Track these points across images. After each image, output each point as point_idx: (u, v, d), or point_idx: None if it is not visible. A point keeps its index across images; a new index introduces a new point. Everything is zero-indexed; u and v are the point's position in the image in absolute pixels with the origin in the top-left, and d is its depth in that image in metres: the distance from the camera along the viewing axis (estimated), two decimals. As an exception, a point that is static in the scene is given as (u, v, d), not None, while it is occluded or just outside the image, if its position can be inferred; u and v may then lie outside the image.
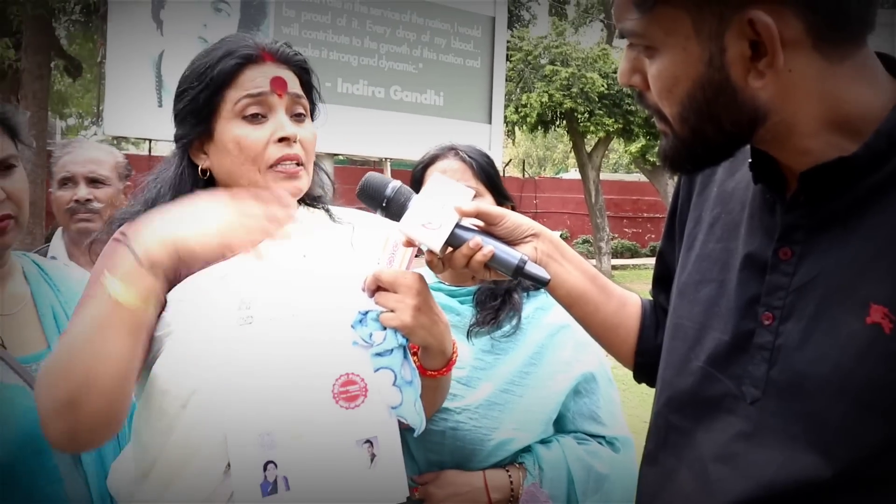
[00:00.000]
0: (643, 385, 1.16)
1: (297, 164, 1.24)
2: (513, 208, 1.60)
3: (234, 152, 1.20)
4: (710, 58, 0.77)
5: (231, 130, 1.21)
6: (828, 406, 0.77)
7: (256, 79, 1.21)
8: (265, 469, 1.09)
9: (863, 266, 0.77)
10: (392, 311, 1.18)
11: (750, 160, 0.89)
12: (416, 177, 1.63)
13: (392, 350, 1.19)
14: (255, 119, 1.21)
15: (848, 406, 0.75)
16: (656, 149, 0.94)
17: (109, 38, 6.67)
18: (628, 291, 1.18)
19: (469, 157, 1.60)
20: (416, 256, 1.23)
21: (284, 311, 1.17)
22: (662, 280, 1.12)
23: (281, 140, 1.21)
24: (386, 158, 7.96)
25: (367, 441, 1.15)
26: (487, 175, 1.60)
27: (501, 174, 1.68)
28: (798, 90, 0.77)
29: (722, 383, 0.88)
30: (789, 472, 0.79)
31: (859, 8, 0.75)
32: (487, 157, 1.64)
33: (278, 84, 1.22)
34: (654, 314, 1.15)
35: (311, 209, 1.38)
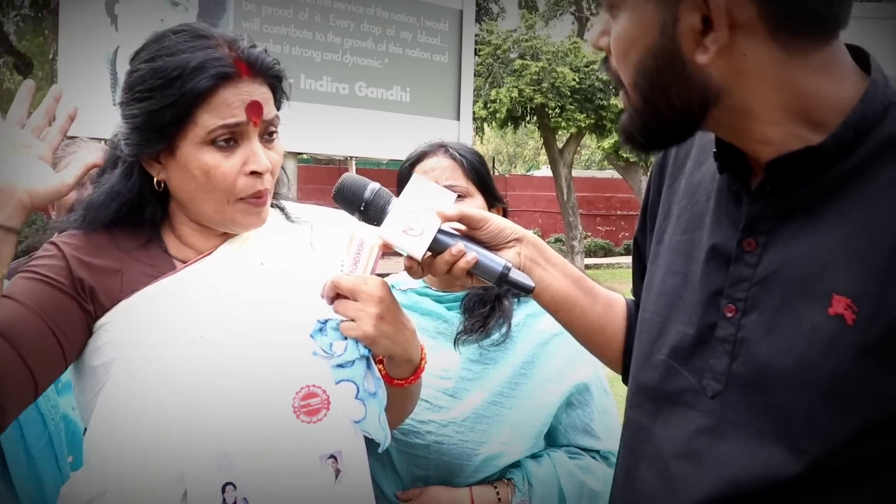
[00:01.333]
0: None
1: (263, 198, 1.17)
2: (504, 210, 1.57)
3: (201, 180, 1.11)
4: (664, 25, 0.78)
5: (199, 157, 1.10)
6: (793, 399, 0.77)
7: (232, 103, 1.09)
8: (223, 491, 1.05)
9: (826, 257, 0.78)
10: (352, 320, 1.13)
11: (715, 150, 0.89)
12: (402, 175, 1.55)
13: (353, 361, 1.16)
14: (226, 146, 1.11)
15: (813, 399, 0.76)
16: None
17: (61, 34, 6.48)
18: (613, 292, 1.16)
19: (459, 154, 1.54)
20: (383, 257, 1.21)
21: (240, 324, 1.12)
22: (641, 277, 1.09)
23: (252, 173, 1.13)
24: (351, 157, 7.85)
25: (332, 456, 1.12)
26: (478, 174, 1.54)
27: None
28: (752, 76, 0.78)
29: (682, 377, 0.88)
30: (756, 467, 0.79)
31: (818, 3, 0.75)
32: (478, 155, 1.58)
33: (254, 111, 1.11)
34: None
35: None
